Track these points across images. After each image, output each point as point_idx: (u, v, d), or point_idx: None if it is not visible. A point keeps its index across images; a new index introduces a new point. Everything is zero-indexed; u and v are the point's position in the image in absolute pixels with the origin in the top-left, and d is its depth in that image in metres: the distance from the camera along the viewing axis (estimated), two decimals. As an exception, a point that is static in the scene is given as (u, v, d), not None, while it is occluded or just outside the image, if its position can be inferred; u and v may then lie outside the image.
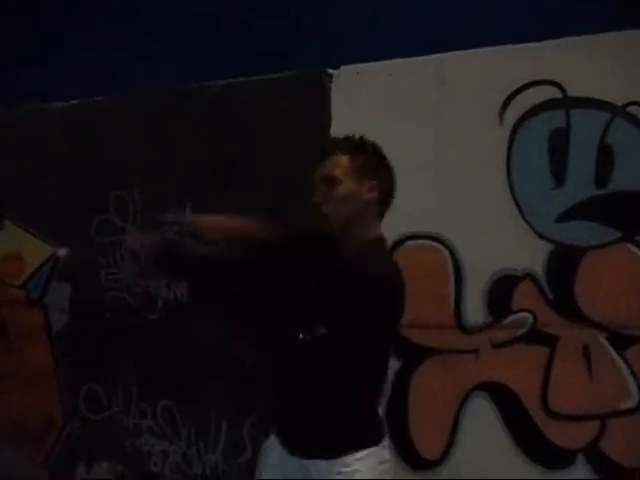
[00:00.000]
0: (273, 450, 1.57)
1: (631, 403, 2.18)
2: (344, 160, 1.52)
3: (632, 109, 2.27)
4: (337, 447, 1.44)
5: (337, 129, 2.65)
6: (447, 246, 2.46)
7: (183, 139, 2.94)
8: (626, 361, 2.20)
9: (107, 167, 3.01)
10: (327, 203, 1.48)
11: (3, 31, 3.19)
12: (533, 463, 2.29)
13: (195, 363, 2.78)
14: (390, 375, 2.42)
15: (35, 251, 3.17)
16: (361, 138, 1.58)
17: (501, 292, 2.37)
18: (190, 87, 2.94)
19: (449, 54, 2.48)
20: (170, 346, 2.85)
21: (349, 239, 1.49)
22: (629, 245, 2.24)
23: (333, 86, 2.67)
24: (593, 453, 2.22)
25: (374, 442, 1.47)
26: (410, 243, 2.52)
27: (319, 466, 1.44)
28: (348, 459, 1.43)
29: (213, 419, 2.75)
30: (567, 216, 2.32)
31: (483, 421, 2.35)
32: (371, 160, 1.56)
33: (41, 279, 3.14)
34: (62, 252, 3.11)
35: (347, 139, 1.58)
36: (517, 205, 2.38)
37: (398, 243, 2.52)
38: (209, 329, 2.78)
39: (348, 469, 1.42)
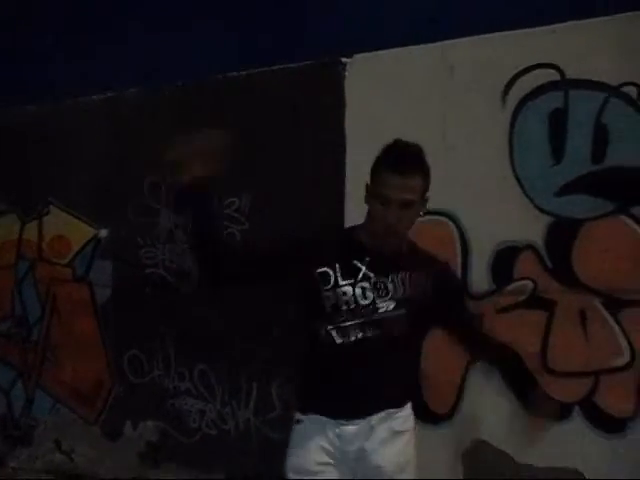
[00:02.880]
0: (315, 430, 1.69)
1: (622, 360, 2.38)
2: (418, 183, 1.60)
3: (626, 89, 2.42)
4: (403, 398, 1.77)
5: (351, 114, 2.86)
6: (454, 220, 2.65)
7: (208, 127, 3.17)
8: (618, 322, 2.39)
9: (142, 155, 3.26)
10: (401, 223, 1.59)
11: (42, 29, 3.45)
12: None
13: (226, 331, 3.05)
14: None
15: (79, 233, 3.46)
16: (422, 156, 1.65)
17: (504, 262, 2.56)
18: (214, 78, 3.16)
19: (454, 41, 2.65)
20: (204, 316, 3.12)
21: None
22: (623, 217, 2.41)
23: (347, 74, 2.87)
24: (588, 406, 2.43)
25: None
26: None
27: (377, 417, 1.69)
28: (406, 407, 1.77)
29: (244, 381, 3.02)
30: (565, 191, 2.49)
31: (488, 378, 2.55)
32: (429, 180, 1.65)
33: (85, 258, 3.43)
34: (103, 233, 3.40)
35: (416, 157, 1.62)
36: (519, 181, 2.56)
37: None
38: (238, 302, 3.03)
39: (404, 413, 1.76)
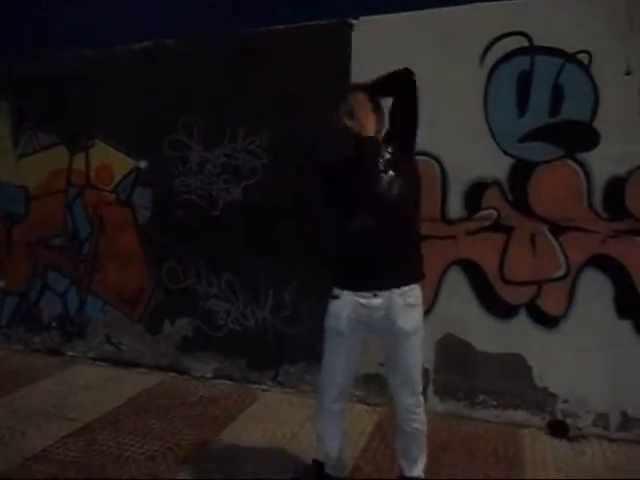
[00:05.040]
0: (346, 303, 2.20)
1: (560, 273, 3.06)
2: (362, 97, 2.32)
3: (581, 56, 2.97)
4: (417, 276, 2.27)
5: (356, 68, 3.38)
6: (437, 160, 3.25)
7: (233, 77, 3.70)
8: (559, 244, 3.06)
9: (177, 97, 3.81)
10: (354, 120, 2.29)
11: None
12: (490, 315, 3.21)
13: (248, 246, 3.70)
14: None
15: (121, 163, 4.03)
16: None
17: (475, 194, 3.19)
18: (237, 33, 3.66)
19: (441, 9, 3.18)
20: (228, 235, 3.77)
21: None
22: (569, 161, 3.02)
23: (354, 33, 3.38)
24: (531, 307, 3.13)
25: None
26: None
27: (395, 293, 2.17)
28: (416, 286, 2.25)
29: (262, 287, 3.70)
30: (526, 138, 3.09)
31: (458, 286, 3.25)
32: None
33: (128, 185, 4.03)
34: (143, 164, 3.98)
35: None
36: (490, 129, 3.15)
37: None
38: (258, 221, 3.68)
39: (415, 292, 2.24)
